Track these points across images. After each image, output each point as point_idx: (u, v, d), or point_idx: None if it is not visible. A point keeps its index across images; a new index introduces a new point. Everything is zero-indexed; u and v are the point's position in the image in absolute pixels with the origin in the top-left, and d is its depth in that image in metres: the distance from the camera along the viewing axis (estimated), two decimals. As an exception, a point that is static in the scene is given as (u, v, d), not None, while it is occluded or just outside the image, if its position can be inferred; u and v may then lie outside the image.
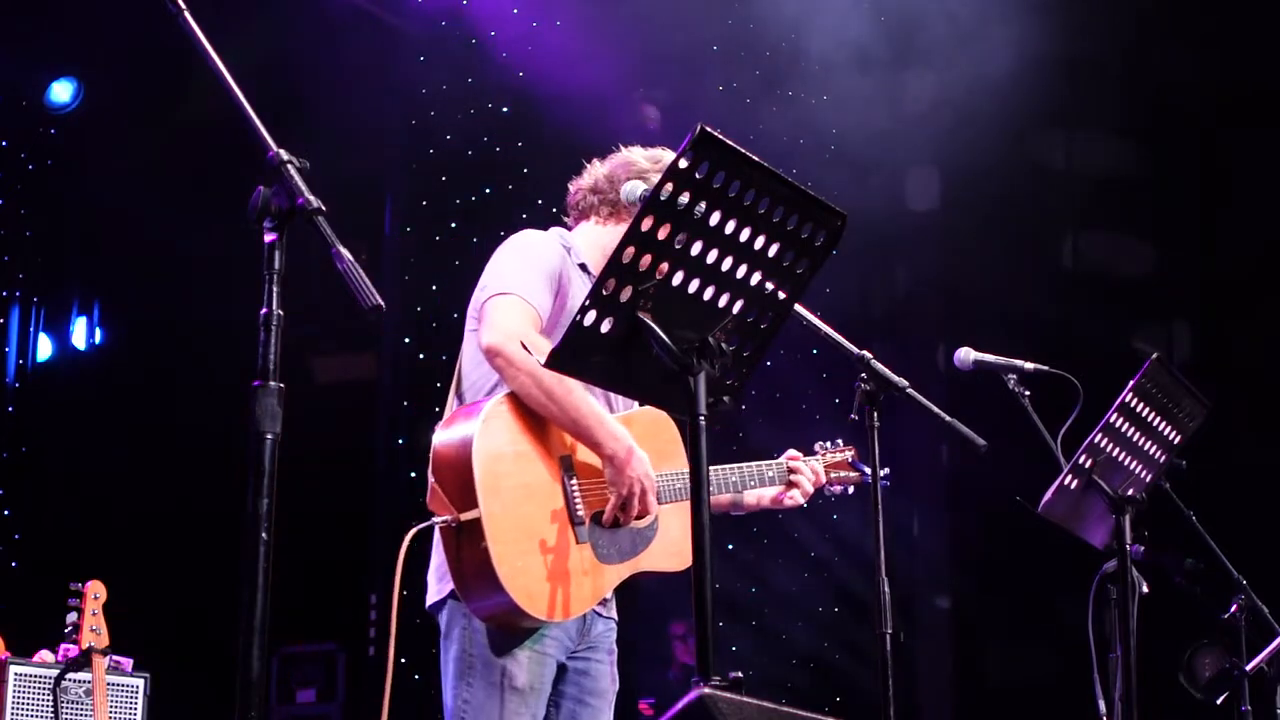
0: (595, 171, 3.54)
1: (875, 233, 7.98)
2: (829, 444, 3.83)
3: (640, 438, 3.28)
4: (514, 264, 3.32)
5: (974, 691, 8.38)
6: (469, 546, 3.07)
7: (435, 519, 3.11)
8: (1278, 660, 4.75)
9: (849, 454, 3.81)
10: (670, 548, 3.39)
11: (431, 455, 3.18)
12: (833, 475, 3.81)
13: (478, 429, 3.10)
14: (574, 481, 3.23)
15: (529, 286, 3.27)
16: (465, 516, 3.06)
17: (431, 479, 3.16)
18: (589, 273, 3.44)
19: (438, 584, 3.29)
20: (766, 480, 3.65)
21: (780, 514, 8.57)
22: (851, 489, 3.84)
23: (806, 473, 3.71)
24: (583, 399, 3.18)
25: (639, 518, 3.28)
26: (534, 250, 3.36)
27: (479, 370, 3.34)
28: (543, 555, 3.13)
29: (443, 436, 3.18)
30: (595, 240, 3.49)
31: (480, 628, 3.19)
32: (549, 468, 3.20)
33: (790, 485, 3.69)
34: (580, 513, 3.22)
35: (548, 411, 3.17)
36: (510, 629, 3.18)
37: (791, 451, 3.73)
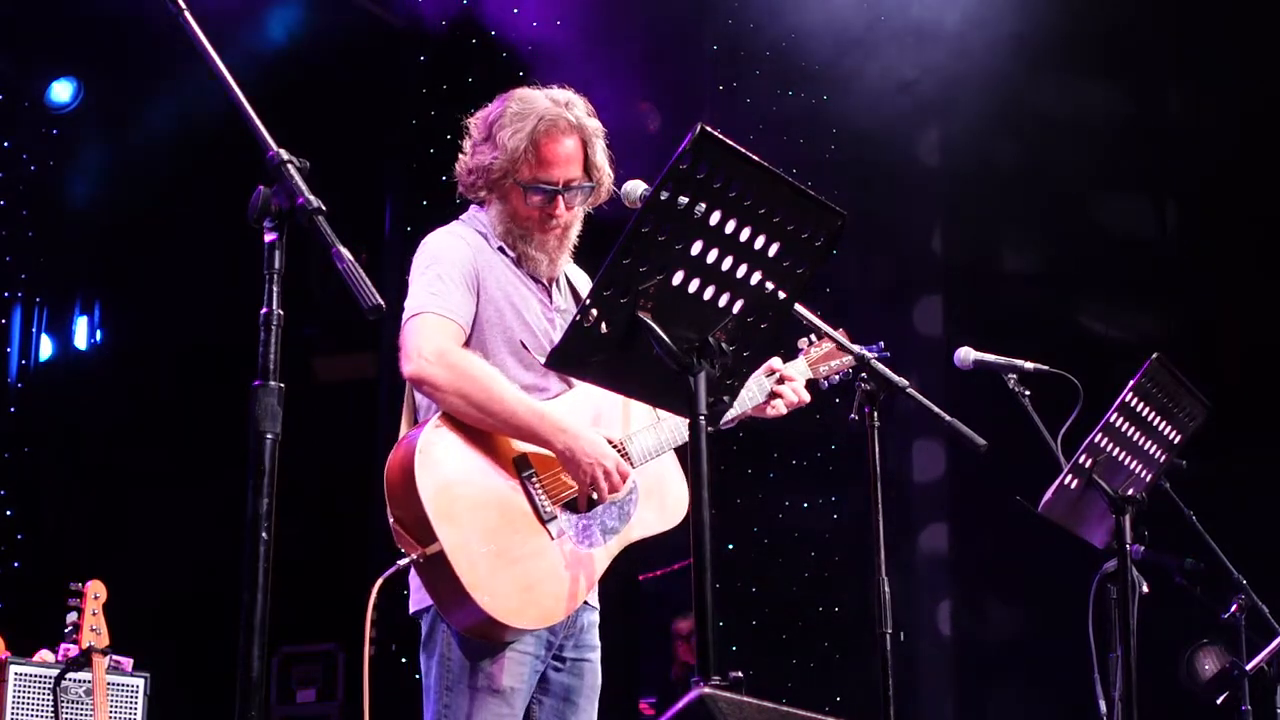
0: (463, 160, 3.50)
1: (875, 232, 7.97)
2: (811, 338, 3.70)
3: (599, 400, 3.25)
4: (423, 279, 3.26)
5: (974, 690, 8.37)
6: (442, 579, 3.04)
7: (400, 561, 3.07)
8: (1278, 660, 4.76)
9: (833, 341, 3.55)
10: (655, 508, 3.34)
11: (386, 494, 3.12)
12: (822, 369, 3.71)
13: (416, 461, 3.05)
14: (535, 478, 3.18)
15: (441, 299, 3.21)
16: (429, 551, 3.01)
17: (391, 519, 3.10)
18: (508, 254, 3.38)
19: (417, 592, 3.25)
20: (747, 403, 3.56)
21: (780, 513, 8.55)
22: (848, 373, 3.67)
23: (788, 392, 3.60)
24: (516, 401, 3.13)
25: (613, 493, 3.23)
26: (440, 256, 3.30)
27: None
28: (517, 566, 3.09)
29: (390, 473, 3.12)
30: (496, 217, 3.40)
31: (458, 632, 3.16)
32: (503, 474, 3.16)
33: (773, 395, 3.60)
34: (548, 508, 3.18)
35: (486, 424, 3.13)
36: (499, 640, 3.15)
37: (772, 363, 3.60)
